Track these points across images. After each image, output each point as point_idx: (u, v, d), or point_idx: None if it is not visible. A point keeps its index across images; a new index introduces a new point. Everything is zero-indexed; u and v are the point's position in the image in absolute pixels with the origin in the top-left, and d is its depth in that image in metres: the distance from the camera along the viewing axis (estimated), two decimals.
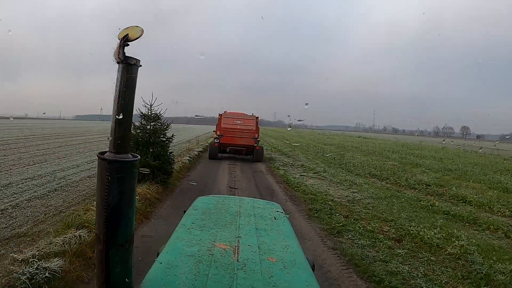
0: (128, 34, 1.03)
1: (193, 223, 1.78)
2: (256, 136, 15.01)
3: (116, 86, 1.04)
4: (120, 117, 1.02)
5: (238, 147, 15.05)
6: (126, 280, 1.09)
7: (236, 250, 1.46)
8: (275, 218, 1.96)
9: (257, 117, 15.50)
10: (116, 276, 1.07)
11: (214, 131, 15.50)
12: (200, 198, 2.36)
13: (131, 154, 1.06)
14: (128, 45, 1.02)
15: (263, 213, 2.07)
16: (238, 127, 15.03)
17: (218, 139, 14.84)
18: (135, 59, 1.04)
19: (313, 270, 1.56)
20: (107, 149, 1.07)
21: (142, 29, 1.04)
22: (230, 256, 1.41)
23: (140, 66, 1.06)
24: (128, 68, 1.03)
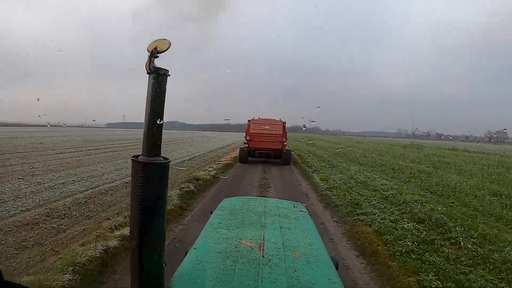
0: (157, 46, 1.11)
1: (220, 223, 1.85)
2: (283, 140, 15.76)
3: (147, 95, 1.14)
4: (160, 122, 1.11)
5: (266, 151, 15.89)
6: (158, 275, 1.17)
7: (262, 247, 1.52)
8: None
9: (284, 122, 16.26)
10: (149, 271, 1.15)
11: (245, 137, 16.59)
12: (226, 200, 2.44)
13: (162, 157, 1.15)
14: (158, 56, 1.11)
15: (287, 213, 2.11)
16: (266, 132, 15.93)
17: (248, 143, 15.89)
18: (164, 69, 1.13)
19: (337, 268, 1.56)
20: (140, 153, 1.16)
21: (170, 42, 1.12)
22: (255, 252, 1.46)
23: (169, 76, 1.15)
24: (158, 78, 1.12)
